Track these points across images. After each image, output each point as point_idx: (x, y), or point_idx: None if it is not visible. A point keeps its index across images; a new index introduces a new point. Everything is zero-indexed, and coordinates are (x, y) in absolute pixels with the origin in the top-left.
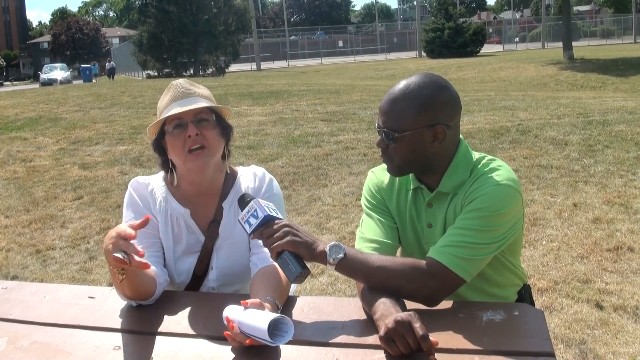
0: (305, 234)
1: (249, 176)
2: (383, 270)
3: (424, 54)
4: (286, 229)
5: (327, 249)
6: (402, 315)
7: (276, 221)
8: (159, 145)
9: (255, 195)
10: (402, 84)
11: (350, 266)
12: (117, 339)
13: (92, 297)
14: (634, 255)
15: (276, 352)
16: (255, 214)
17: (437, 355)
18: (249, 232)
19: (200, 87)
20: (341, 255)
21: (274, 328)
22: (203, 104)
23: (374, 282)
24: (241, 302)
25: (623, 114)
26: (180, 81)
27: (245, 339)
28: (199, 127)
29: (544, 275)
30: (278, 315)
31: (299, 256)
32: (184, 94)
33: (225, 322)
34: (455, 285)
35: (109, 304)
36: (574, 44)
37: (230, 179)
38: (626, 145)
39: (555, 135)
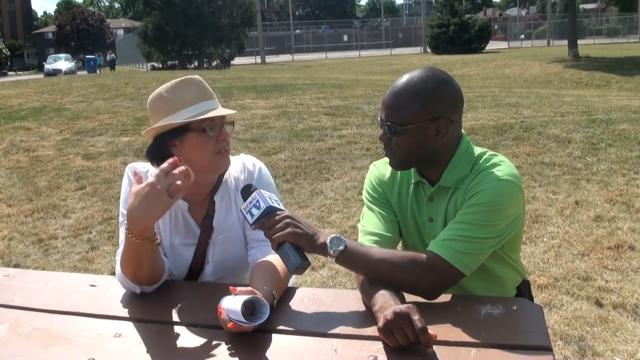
0: (306, 226)
1: (238, 167)
2: (383, 263)
3: (428, 49)
4: (287, 220)
5: (327, 241)
6: (401, 307)
7: (278, 212)
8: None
9: None
10: (405, 77)
11: (350, 258)
12: (118, 326)
13: (93, 285)
14: (634, 254)
15: (276, 341)
16: (257, 204)
17: (434, 347)
18: (250, 223)
19: None
20: (341, 248)
21: (256, 311)
22: (230, 110)
23: (373, 274)
24: (230, 288)
25: (627, 113)
26: (199, 78)
27: (228, 323)
28: (226, 130)
29: (544, 272)
30: (251, 296)
31: (299, 247)
32: (209, 94)
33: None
34: (454, 279)
35: (110, 292)
36: (580, 42)
37: None
38: (629, 144)
39: (559, 133)
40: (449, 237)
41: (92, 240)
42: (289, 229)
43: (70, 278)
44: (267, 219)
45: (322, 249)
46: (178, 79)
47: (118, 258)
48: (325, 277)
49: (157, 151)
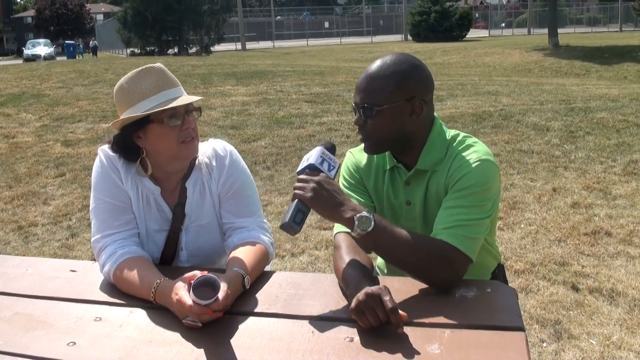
0: (333, 193)
1: (209, 152)
2: (406, 252)
3: (410, 37)
4: (315, 185)
5: (355, 219)
6: (372, 288)
7: (320, 174)
8: (128, 133)
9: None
10: (378, 62)
11: (374, 239)
12: (98, 310)
13: (73, 271)
14: (611, 240)
15: (253, 324)
16: (308, 157)
17: (410, 329)
18: (297, 170)
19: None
20: (369, 229)
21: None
22: (192, 97)
23: (394, 260)
24: (200, 272)
25: (605, 102)
26: (160, 66)
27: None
28: (190, 118)
29: (521, 257)
30: (203, 275)
31: (306, 212)
32: (171, 82)
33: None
34: (466, 266)
35: (90, 277)
36: (560, 30)
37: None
38: (607, 132)
39: (537, 121)
40: (452, 223)
41: (72, 227)
42: (308, 194)
43: (50, 263)
44: (308, 174)
45: (347, 224)
46: (138, 69)
47: (101, 259)
48: (304, 264)
49: (123, 143)
